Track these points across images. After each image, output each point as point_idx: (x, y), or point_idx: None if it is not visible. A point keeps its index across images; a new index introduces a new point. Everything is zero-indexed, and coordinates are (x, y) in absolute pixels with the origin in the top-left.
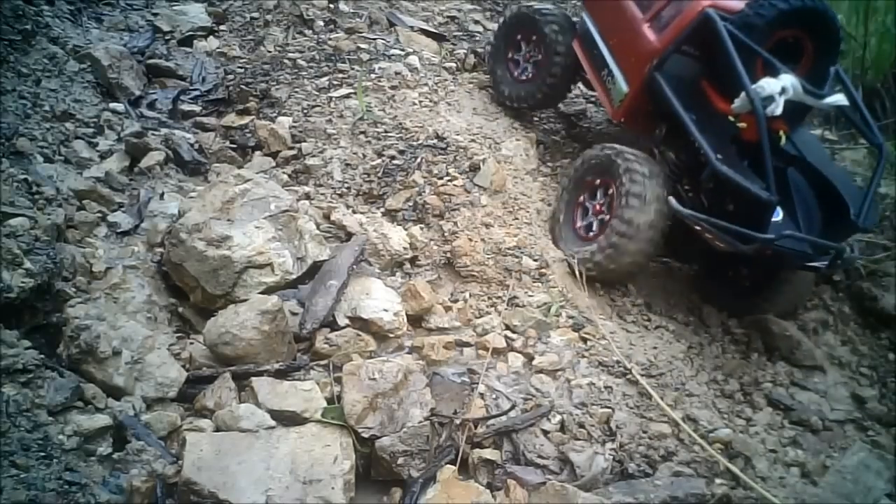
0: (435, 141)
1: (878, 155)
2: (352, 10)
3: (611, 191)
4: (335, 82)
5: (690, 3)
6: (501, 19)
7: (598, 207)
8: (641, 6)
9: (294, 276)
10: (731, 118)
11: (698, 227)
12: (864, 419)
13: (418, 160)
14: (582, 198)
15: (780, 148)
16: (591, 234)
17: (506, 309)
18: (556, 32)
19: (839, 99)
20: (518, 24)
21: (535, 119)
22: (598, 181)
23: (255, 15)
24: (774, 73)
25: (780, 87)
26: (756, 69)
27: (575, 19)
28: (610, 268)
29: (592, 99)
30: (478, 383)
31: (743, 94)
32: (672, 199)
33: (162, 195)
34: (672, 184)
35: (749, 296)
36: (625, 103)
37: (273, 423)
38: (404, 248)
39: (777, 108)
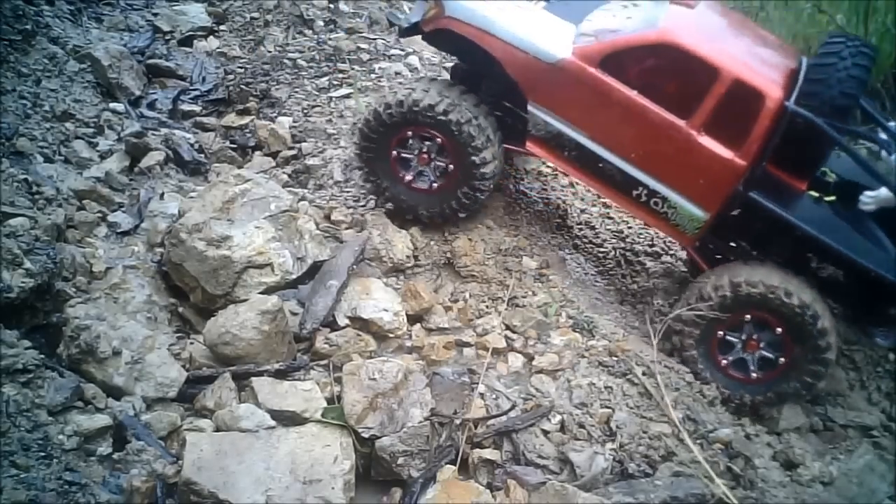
0: None
1: None
2: (352, 10)
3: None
4: (335, 82)
5: (761, 100)
6: (373, 109)
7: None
8: (668, 106)
9: (294, 276)
10: (815, 194)
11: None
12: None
13: None
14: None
15: None
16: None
17: (506, 309)
18: (478, 136)
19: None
20: (406, 123)
21: None
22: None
23: (255, 15)
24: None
25: None
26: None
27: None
28: None
29: None
30: (478, 383)
31: (883, 189)
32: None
33: (162, 195)
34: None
35: None
36: (705, 229)
37: (273, 423)
38: (407, 248)
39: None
